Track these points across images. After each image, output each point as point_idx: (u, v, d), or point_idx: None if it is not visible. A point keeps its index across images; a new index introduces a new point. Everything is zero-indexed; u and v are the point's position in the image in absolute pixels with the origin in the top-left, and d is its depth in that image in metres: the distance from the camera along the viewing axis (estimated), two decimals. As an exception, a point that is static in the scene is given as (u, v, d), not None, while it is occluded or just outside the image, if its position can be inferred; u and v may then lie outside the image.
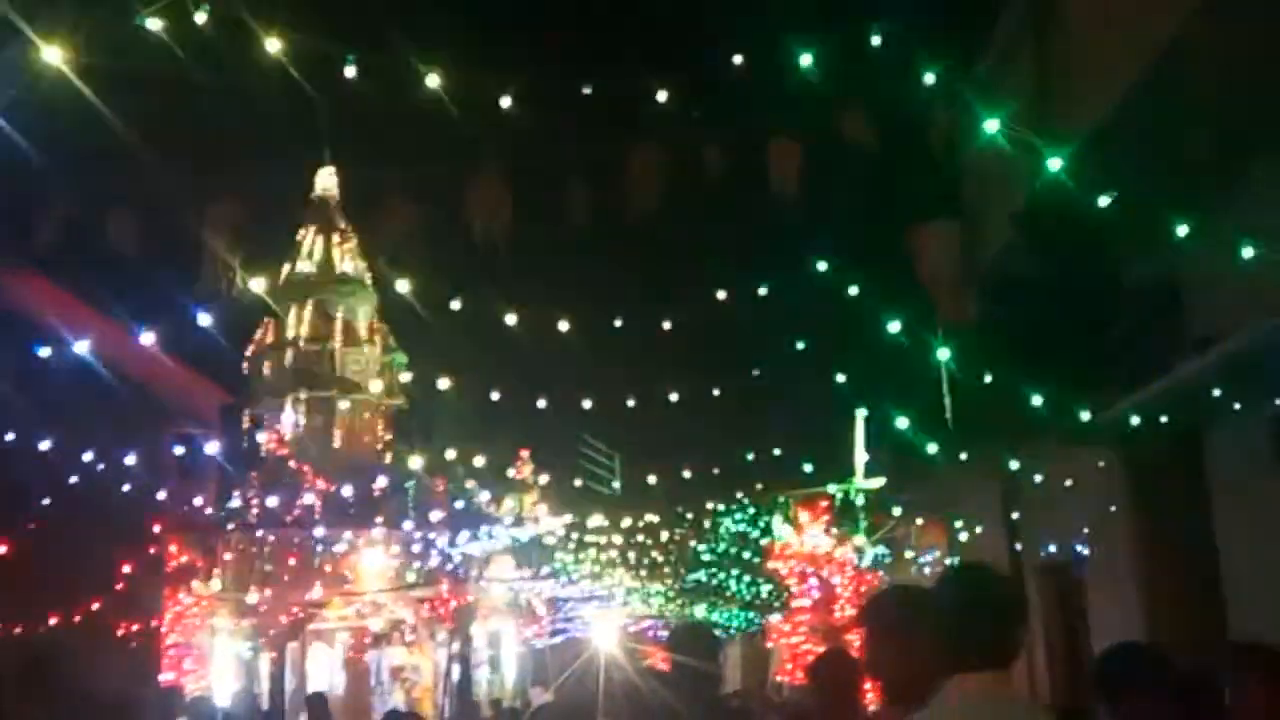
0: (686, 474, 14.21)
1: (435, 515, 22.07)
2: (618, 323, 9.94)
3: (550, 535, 22.58)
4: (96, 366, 10.55)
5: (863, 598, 16.27)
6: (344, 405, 25.01)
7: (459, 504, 22.51)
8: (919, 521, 15.59)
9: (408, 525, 22.04)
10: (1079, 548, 10.78)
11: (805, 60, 6.03)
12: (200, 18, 5.75)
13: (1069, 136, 7.98)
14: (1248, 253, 6.55)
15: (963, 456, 11.68)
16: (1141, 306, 8.82)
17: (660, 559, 21.25)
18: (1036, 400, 8.84)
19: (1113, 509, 9.69)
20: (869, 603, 3.86)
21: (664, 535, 19.39)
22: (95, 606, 18.10)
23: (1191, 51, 6.46)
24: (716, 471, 15.94)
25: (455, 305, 10.02)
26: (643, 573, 22.39)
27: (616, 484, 19.46)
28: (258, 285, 10.06)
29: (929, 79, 8.25)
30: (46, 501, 15.02)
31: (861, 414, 14.98)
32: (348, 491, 21.58)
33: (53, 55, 5.86)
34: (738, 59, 5.96)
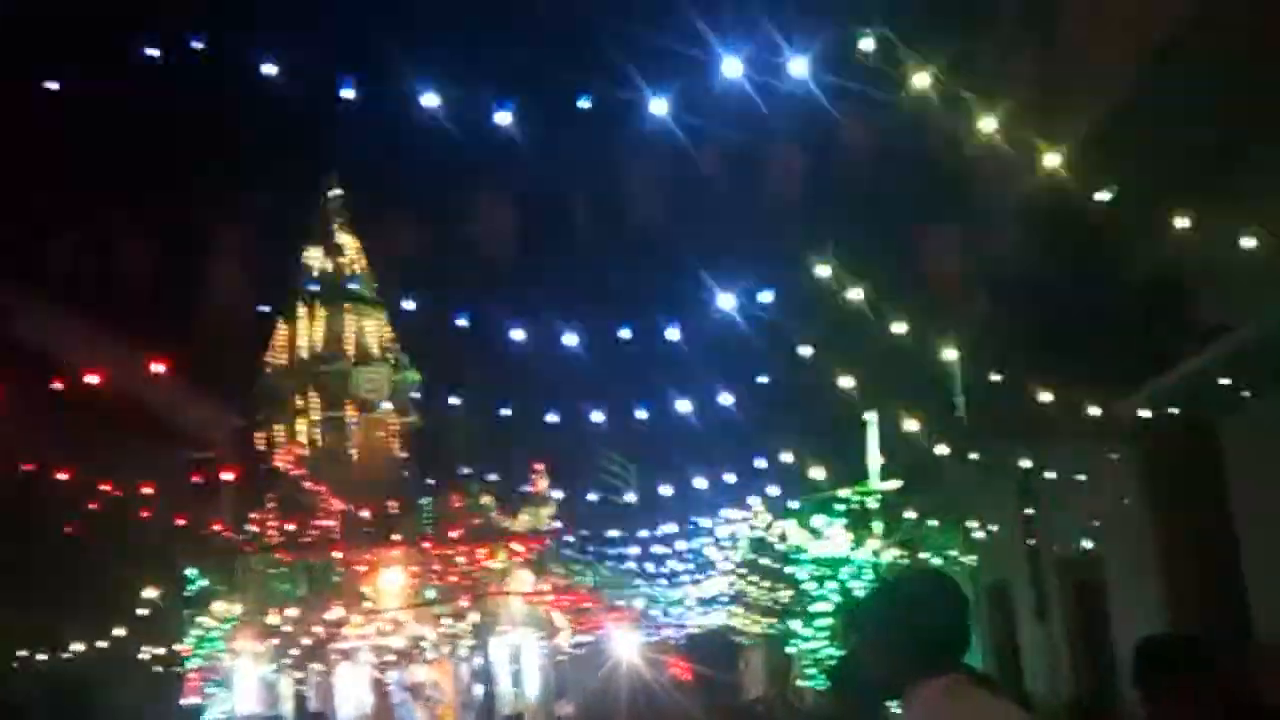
0: (700, 483, 14.18)
1: (452, 532, 22.12)
2: (625, 334, 9.95)
3: (568, 548, 22.61)
4: (110, 395, 10.62)
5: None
6: (358, 424, 25.11)
7: (475, 519, 22.57)
8: (934, 523, 15.55)
9: (425, 543, 22.10)
10: (1096, 543, 10.76)
11: (801, 65, 6.04)
12: (198, 44, 5.80)
13: (1071, 132, 8.00)
14: (1250, 243, 6.55)
15: (974, 456, 11.66)
16: (1148, 300, 8.81)
17: (679, 568, 21.23)
18: (1047, 397, 8.83)
19: (1128, 503, 9.67)
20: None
21: (680, 545, 19.38)
22: (118, 633, 18.17)
23: (1188, 45, 6.47)
24: (730, 480, 15.90)
25: (462, 322, 10.05)
26: (661, 582, 22.38)
27: (632, 495, 19.47)
28: (269, 308, 10.10)
29: (929, 79, 8.26)
30: (68, 530, 15.10)
31: (873, 417, 14.94)
32: (364, 511, 21.66)
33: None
34: (733, 65, 5.98)
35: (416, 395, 26.15)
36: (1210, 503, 8.53)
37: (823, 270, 8.88)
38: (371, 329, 25.92)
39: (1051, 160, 6.82)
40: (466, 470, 23.18)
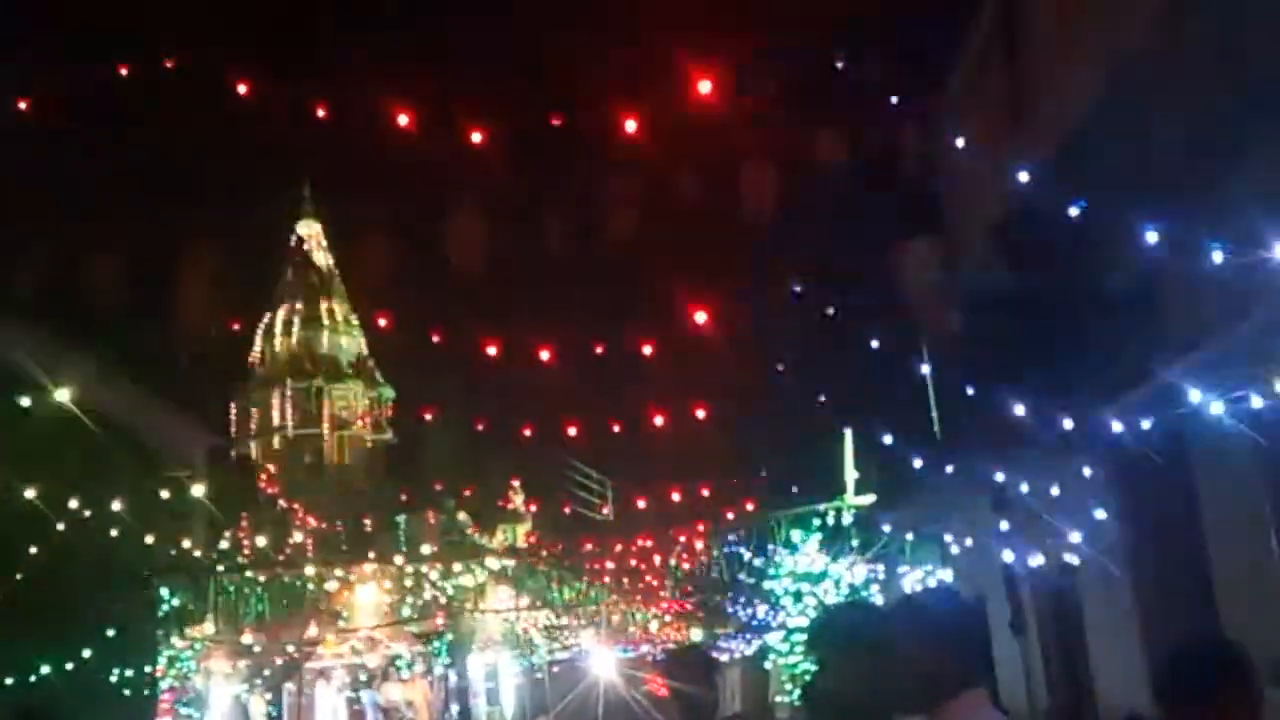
0: (676, 497, 14.20)
1: (427, 549, 22.01)
2: (599, 350, 9.95)
3: (543, 564, 22.55)
4: (81, 412, 10.53)
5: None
6: (332, 442, 25.00)
7: (450, 536, 22.49)
8: (910, 537, 15.58)
9: (399, 560, 21.99)
10: (1070, 556, 10.79)
11: (772, 84, 6.07)
12: (169, 63, 5.78)
13: (1041, 148, 8.06)
14: (1219, 257, 6.60)
15: (949, 470, 11.69)
16: (1120, 314, 8.86)
17: (655, 583, 21.20)
18: (1020, 410, 8.86)
19: (1101, 516, 9.70)
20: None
21: (657, 560, 19.36)
22: (87, 654, 17.97)
23: (1156, 58, 6.52)
24: (706, 494, 15.94)
25: (436, 339, 10.04)
26: (637, 598, 22.33)
27: (607, 510, 19.45)
28: (243, 326, 10.05)
29: (902, 97, 8.34)
30: (34, 550, 14.92)
31: (849, 432, 15.01)
32: (338, 528, 21.55)
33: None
34: (706, 85, 6.00)
35: (390, 412, 26.08)
36: (1182, 515, 8.58)
37: (797, 286, 8.92)
38: (346, 346, 25.84)
39: (1023, 174, 6.87)
40: (441, 486, 23.10)
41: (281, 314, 25.55)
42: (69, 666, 17.83)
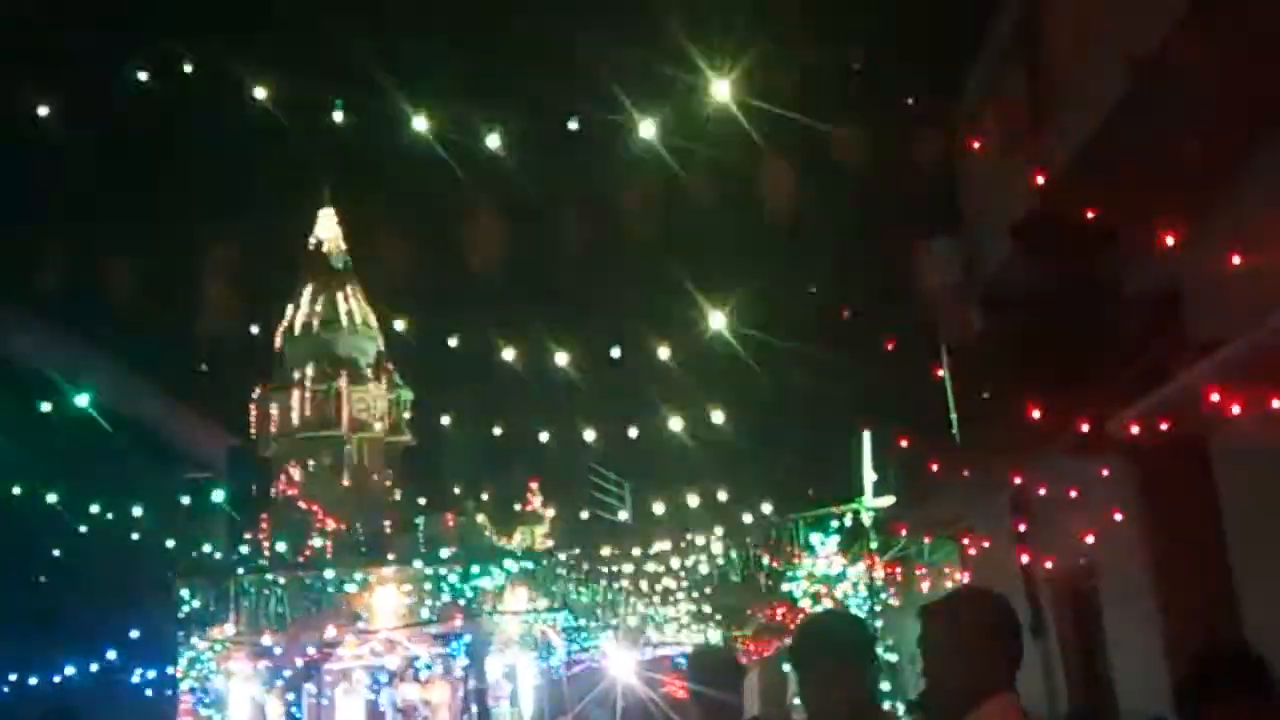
0: (693, 501, 14.19)
1: (446, 551, 22.05)
2: (615, 353, 9.96)
3: (562, 566, 22.57)
4: (102, 415, 10.60)
5: (878, 616, 16.24)
6: (351, 444, 25.06)
7: (469, 538, 22.52)
8: (928, 539, 15.54)
9: (418, 562, 22.03)
10: (1090, 559, 10.75)
11: (789, 85, 6.08)
12: (188, 67, 5.82)
13: (1061, 148, 8.04)
14: (1239, 258, 6.58)
15: (967, 472, 11.66)
16: (1142, 315, 8.82)
17: (673, 586, 21.19)
18: (1039, 412, 8.84)
19: (1121, 518, 9.66)
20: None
21: (674, 562, 19.35)
22: (110, 655, 18.08)
23: (1177, 61, 6.50)
24: (724, 497, 15.92)
25: (453, 342, 10.07)
26: (655, 600, 22.33)
27: (625, 513, 19.46)
28: (262, 328, 10.10)
29: (921, 99, 8.32)
30: (56, 553, 15.03)
31: (867, 434, 14.98)
32: (358, 531, 21.61)
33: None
34: (722, 87, 6.00)
35: (409, 415, 26.15)
36: (1203, 517, 8.53)
37: (816, 288, 8.91)
38: (364, 348, 25.92)
39: (1042, 176, 6.85)
40: (459, 489, 23.16)
41: (301, 316, 25.64)
42: (92, 667, 17.94)
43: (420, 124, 6.21)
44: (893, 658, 16.35)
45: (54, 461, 13.57)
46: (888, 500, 15.46)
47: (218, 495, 19.65)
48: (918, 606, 3.59)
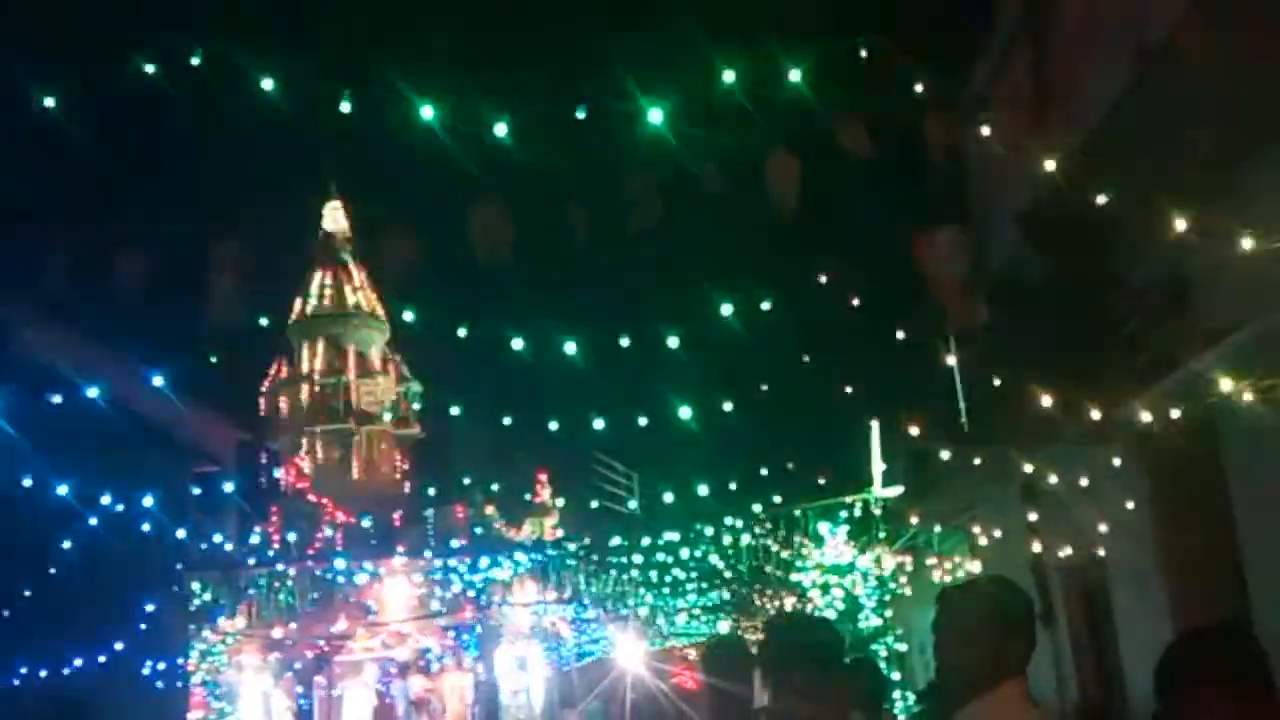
0: (702, 490, 14.18)
1: (455, 543, 22.09)
2: (624, 342, 9.95)
3: (571, 557, 22.59)
4: (112, 409, 10.61)
5: (887, 607, 16.24)
6: (360, 437, 25.11)
7: (479, 530, 22.55)
8: (938, 528, 15.53)
9: (428, 554, 22.08)
10: (1099, 547, 10.74)
11: (797, 73, 6.06)
12: (195, 60, 5.81)
13: (1070, 136, 8.00)
14: (1249, 244, 6.55)
15: (977, 461, 11.65)
16: (1150, 302, 8.80)
17: (682, 576, 21.20)
18: (1048, 401, 8.82)
19: (1131, 506, 9.65)
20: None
21: (684, 553, 19.36)
22: (120, 648, 18.14)
23: (1185, 45, 6.47)
24: (733, 487, 15.91)
25: (462, 333, 10.06)
26: (665, 590, 22.35)
27: (634, 503, 19.45)
28: (270, 321, 10.10)
29: (928, 86, 8.29)
30: (67, 546, 15.08)
31: (876, 424, 14.96)
32: (367, 523, 21.65)
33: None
34: (730, 75, 5.98)
35: (418, 406, 26.19)
36: (1213, 506, 8.51)
37: (824, 277, 8.89)
38: (372, 340, 25.95)
39: (1050, 163, 6.83)
40: (469, 480, 23.18)
41: (309, 309, 25.68)
42: (102, 660, 18.00)
43: (427, 113, 6.20)
44: (902, 647, 16.36)
45: (64, 454, 13.61)
46: (897, 490, 15.46)
47: (228, 486, 19.70)
48: (928, 596, 3.60)
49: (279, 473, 24.64)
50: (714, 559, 19.64)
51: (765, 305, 9.91)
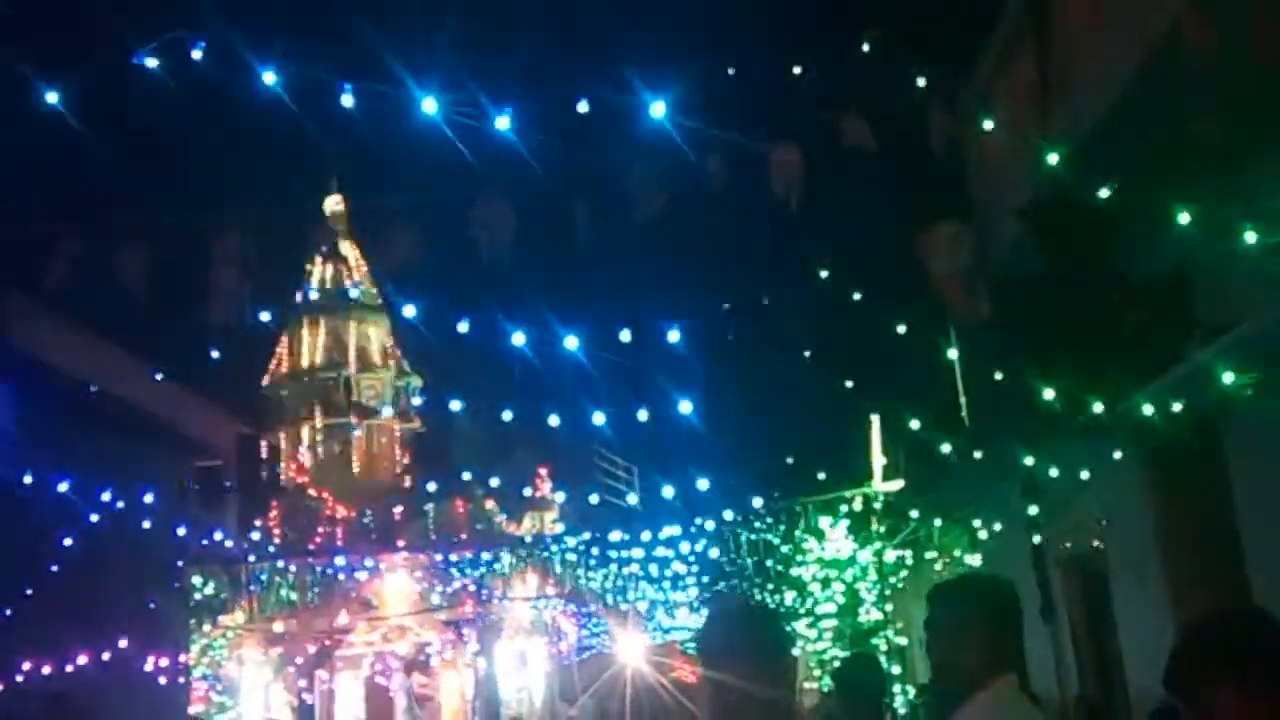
0: (702, 485, 14.17)
1: (456, 537, 22.09)
2: (625, 336, 9.94)
3: (571, 551, 22.61)
4: (112, 404, 10.62)
5: (888, 601, 16.25)
6: (360, 431, 25.10)
7: (479, 525, 22.56)
8: (938, 522, 15.53)
9: (429, 549, 22.08)
10: (1100, 541, 10.74)
11: (800, 67, 6.04)
12: (196, 54, 5.80)
13: (1071, 130, 7.99)
14: (1252, 238, 6.54)
15: (978, 455, 11.65)
16: (1152, 297, 8.79)
17: (682, 571, 21.22)
18: (1049, 395, 8.82)
19: (1132, 500, 9.65)
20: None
21: (684, 547, 19.36)
22: (122, 643, 18.13)
23: (1189, 39, 6.45)
24: (732, 482, 15.90)
25: (463, 327, 10.05)
26: (665, 584, 22.37)
27: (634, 497, 19.46)
28: (270, 315, 10.08)
29: (930, 79, 8.27)
30: (68, 542, 15.07)
31: (876, 418, 14.96)
32: (368, 517, 21.65)
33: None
34: (732, 69, 5.97)
35: (418, 400, 26.18)
36: (1214, 500, 8.51)
37: (825, 271, 8.87)
38: (373, 334, 25.94)
39: (1052, 157, 6.81)
40: (469, 475, 23.19)
41: (309, 302, 25.66)
42: (104, 655, 18.00)
43: (429, 106, 6.19)
44: (903, 641, 16.38)
45: (64, 450, 13.60)
46: (898, 484, 15.46)
47: (228, 481, 19.70)
48: (928, 590, 3.60)
49: (279, 466, 24.65)
50: (714, 553, 19.65)
51: (766, 300, 9.91)
